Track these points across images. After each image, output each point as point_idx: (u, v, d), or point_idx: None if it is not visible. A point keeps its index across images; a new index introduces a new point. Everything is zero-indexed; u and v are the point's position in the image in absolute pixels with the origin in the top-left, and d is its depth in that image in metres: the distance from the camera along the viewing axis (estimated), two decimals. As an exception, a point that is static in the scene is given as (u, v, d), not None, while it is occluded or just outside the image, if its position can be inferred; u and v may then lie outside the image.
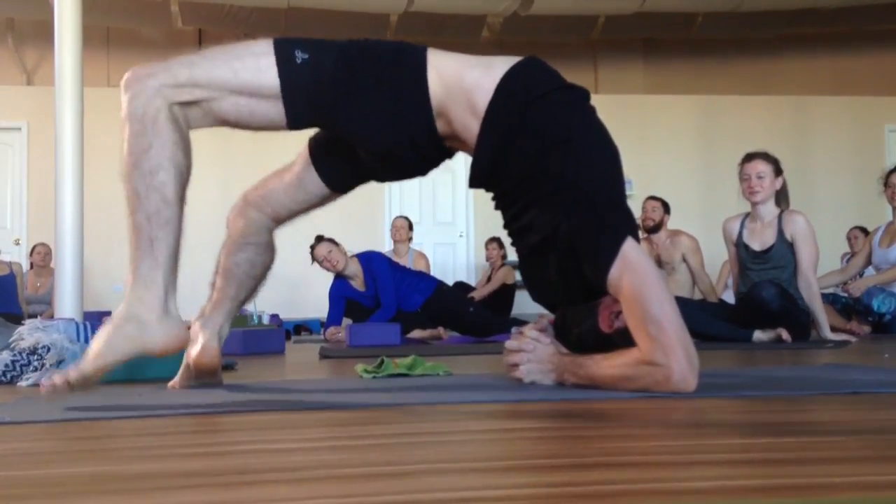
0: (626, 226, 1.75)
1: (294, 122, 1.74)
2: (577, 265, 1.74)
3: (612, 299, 1.74)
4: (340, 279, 5.38)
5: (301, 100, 1.72)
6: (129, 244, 1.62)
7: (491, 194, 1.93)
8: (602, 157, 1.84)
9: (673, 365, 1.60)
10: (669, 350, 1.61)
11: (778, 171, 4.25)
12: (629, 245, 1.69)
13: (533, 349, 1.82)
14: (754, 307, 4.03)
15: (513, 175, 1.82)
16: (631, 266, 1.66)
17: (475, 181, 1.88)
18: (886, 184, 4.98)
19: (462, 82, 1.76)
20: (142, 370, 2.31)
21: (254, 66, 1.70)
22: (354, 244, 5.91)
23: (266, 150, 9.22)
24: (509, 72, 1.78)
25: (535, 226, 1.83)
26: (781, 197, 4.28)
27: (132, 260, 1.63)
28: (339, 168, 1.96)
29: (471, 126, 1.78)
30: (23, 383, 2.19)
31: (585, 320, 1.82)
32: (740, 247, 4.36)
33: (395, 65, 1.77)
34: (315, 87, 1.72)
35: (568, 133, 1.80)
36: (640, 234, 5.67)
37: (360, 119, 1.75)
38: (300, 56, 1.70)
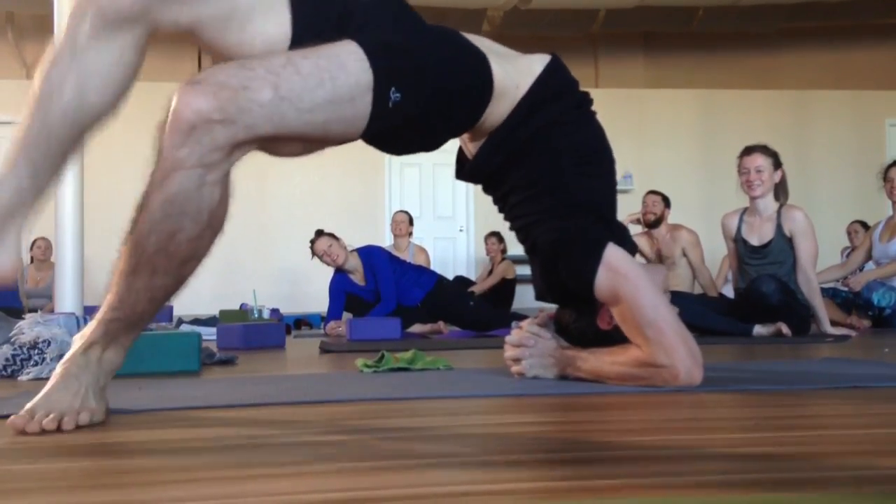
0: (607, 235, 1.72)
1: None
2: (558, 276, 1.74)
3: None
4: (340, 273, 5.38)
5: (368, 137, 1.51)
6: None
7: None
8: (597, 173, 1.82)
9: (677, 364, 1.60)
10: (671, 350, 1.61)
11: (777, 165, 4.24)
12: (612, 251, 1.67)
13: (534, 344, 1.82)
14: (754, 301, 4.03)
15: (508, 183, 1.83)
16: (618, 272, 1.65)
17: (465, 177, 1.87)
18: (885, 178, 4.97)
19: (501, 103, 1.68)
20: (144, 363, 2.32)
21: (351, 114, 1.40)
22: (355, 239, 5.91)
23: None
24: (533, 85, 1.70)
25: (522, 231, 1.85)
26: (780, 190, 4.28)
27: None
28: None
29: (481, 133, 1.75)
30: (23, 377, 2.19)
31: (584, 316, 1.82)
32: (739, 242, 4.35)
33: (466, 97, 1.62)
34: (391, 131, 1.51)
35: (572, 151, 1.77)
36: (641, 228, 5.68)
37: (409, 144, 1.64)
38: (393, 97, 1.43)
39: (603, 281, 1.65)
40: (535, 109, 1.71)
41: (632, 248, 1.81)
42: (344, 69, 1.37)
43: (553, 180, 1.76)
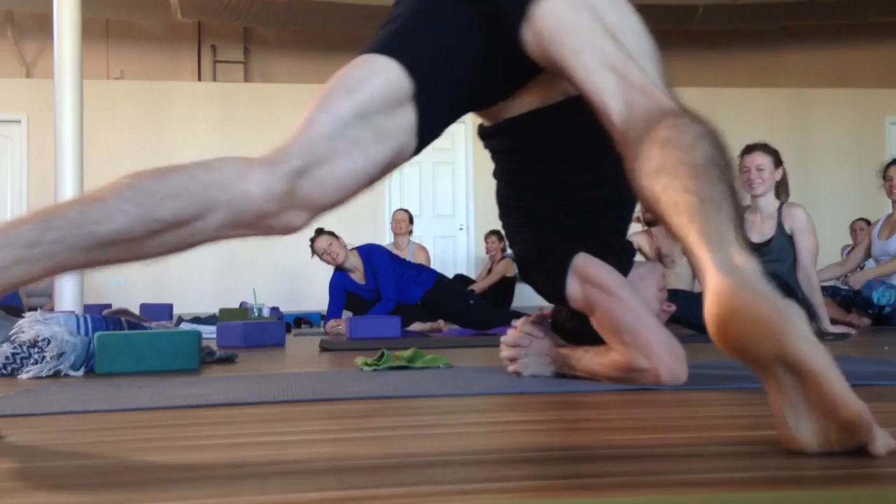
0: (574, 248, 1.71)
1: None
2: (536, 286, 1.77)
3: None
4: (340, 272, 5.39)
5: None
6: None
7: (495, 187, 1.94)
8: (590, 210, 1.79)
9: (657, 365, 1.60)
10: (650, 352, 1.61)
11: (778, 163, 4.25)
12: (581, 261, 1.68)
13: (529, 343, 1.83)
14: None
15: (496, 173, 1.85)
16: (589, 281, 1.66)
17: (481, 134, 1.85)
18: (885, 176, 4.97)
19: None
20: (144, 362, 2.32)
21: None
22: (355, 237, 5.91)
23: (266, 140, 9.22)
24: (560, 104, 1.64)
25: (506, 229, 1.88)
26: (781, 188, 4.28)
27: None
28: None
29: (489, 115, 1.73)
30: (23, 376, 2.19)
31: (578, 316, 1.83)
32: (740, 239, 4.36)
33: None
34: None
35: (563, 184, 1.76)
36: (641, 226, 5.67)
37: None
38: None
39: (574, 291, 1.67)
40: (542, 125, 1.67)
41: (623, 264, 1.79)
42: (403, 132, 1.37)
43: (531, 202, 1.77)
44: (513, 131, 1.71)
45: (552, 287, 1.70)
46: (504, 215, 1.87)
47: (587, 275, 1.66)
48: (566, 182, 1.77)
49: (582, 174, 1.77)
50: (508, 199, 1.83)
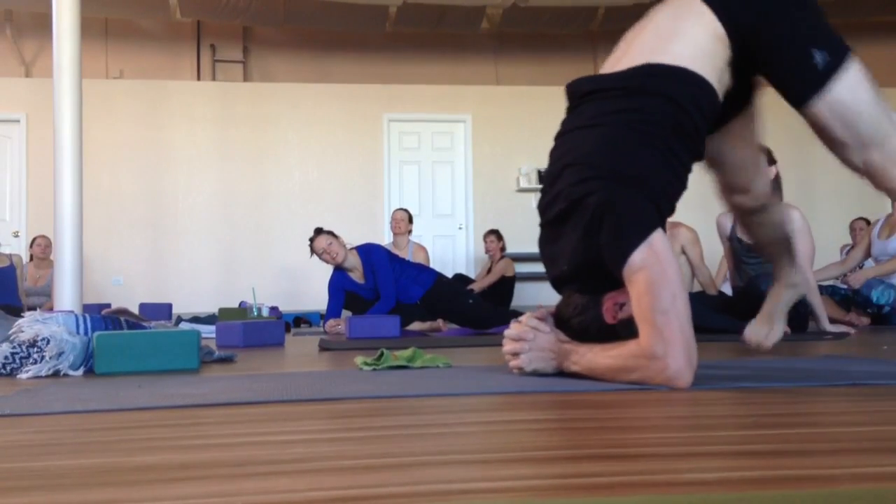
0: (658, 221, 1.74)
1: None
2: (597, 238, 1.72)
3: (616, 291, 1.74)
4: (340, 271, 5.38)
5: None
6: None
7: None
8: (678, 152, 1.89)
9: (669, 360, 1.60)
10: (670, 343, 1.60)
11: (770, 161, 4.24)
12: (658, 237, 1.68)
13: (533, 338, 1.81)
14: (754, 299, 4.02)
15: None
16: (656, 255, 1.65)
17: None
18: (885, 175, 4.97)
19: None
20: (143, 361, 2.32)
21: None
22: (354, 236, 5.91)
23: (265, 139, 9.23)
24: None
25: (564, 194, 1.82)
26: (774, 188, 4.28)
27: None
28: None
29: None
30: (23, 375, 2.19)
31: (588, 310, 1.82)
32: (734, 240, 4.36)
33: None
34: None
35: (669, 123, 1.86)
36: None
37: None
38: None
39: (638, 258, 1.65)
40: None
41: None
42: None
43: (640, 150, 1.81)
44: (693, 85, 1.86)
45: (620, 244, 1.68)
46: (602, 156, 1.82)
47: (658, 249, 1.66)
48: (678, 153, 1.86)
49: (688, 154, 1.91)
50: (614, 140, 1.83)
